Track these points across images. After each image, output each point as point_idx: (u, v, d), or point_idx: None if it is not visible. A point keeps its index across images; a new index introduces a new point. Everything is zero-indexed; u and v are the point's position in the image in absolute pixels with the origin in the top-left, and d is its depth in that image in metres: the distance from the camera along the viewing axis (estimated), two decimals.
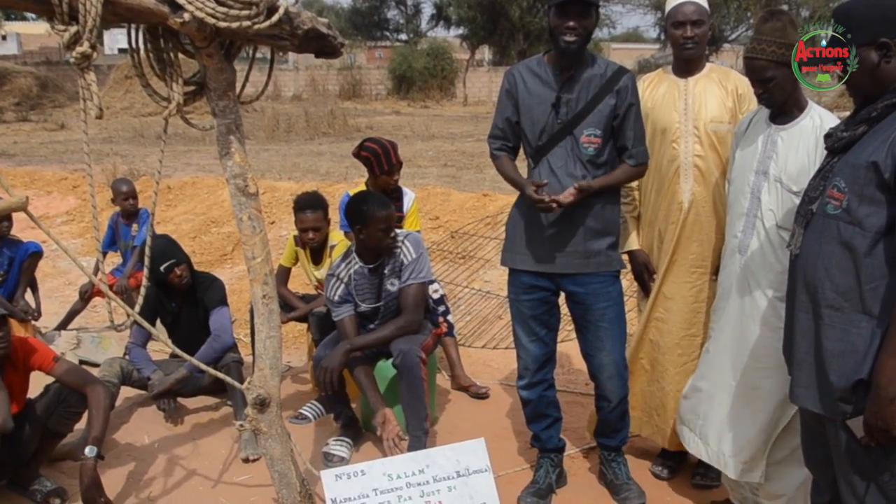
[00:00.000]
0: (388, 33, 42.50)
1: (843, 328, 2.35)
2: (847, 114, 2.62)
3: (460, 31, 37.65)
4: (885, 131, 2.30)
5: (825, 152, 2.87)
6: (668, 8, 3.66)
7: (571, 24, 3.30)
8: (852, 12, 2.40)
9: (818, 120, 3.07)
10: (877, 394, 2.22)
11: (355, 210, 4.21)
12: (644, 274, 3.83)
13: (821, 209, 2.45)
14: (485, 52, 41.45)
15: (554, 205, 3.33)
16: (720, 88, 3.62)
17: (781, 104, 3.09)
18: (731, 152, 3.41)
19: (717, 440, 3.39)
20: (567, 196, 3.34)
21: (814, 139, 3.04)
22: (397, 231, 4.41)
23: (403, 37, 41.29)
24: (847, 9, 2.43)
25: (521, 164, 3.66)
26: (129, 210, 6.38)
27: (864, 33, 2.35)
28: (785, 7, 26.90)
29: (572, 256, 3.51)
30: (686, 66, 3.68)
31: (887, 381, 2.19)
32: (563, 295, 3.66)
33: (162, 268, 4.59)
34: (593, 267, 3.53)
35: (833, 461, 2.50)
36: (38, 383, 3.91)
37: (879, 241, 2.28)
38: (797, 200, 2.97)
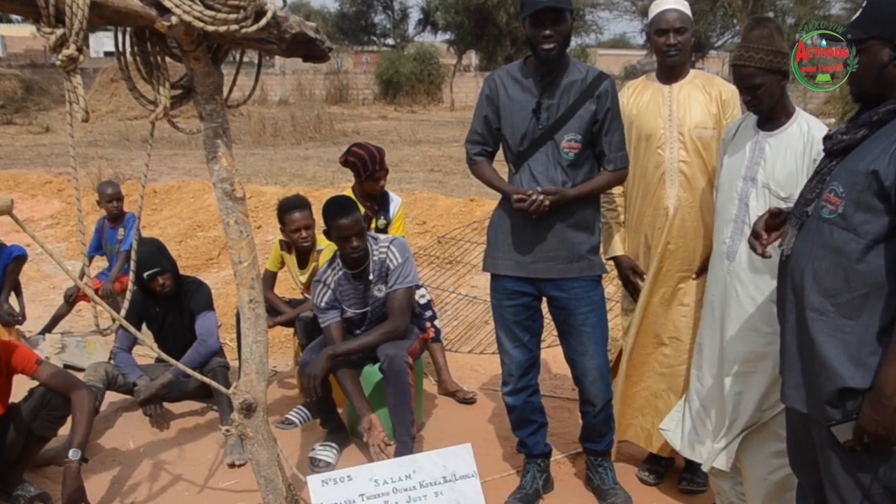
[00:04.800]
0: (375, 38, 42.44)
1: (827, 333, 2.34)
2: (832, 120, 2.62)
3: (447, 36, 37.72)
4: (887, 138, 2.27)
5: (815, 158, 2.89)
6: (651, 15, 3.68)
7: (547, 32, 3.32)
8: (884, 4, 2.34)
9: (805, 126, 3.09)
10: (880, 403, 2.19)
11: (323, 216, 4.22)
12: (630, 278, 3.84)
13: (816, 212, 2.43)
14: (472, 58, 41.47)
15: (545, 203, 3.34)
16: (704, 94, 3.64)
17: (769, 111, 3.11)
18: (718, 159, 3.43)
19: (702, 440, 3.40)
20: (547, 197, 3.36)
21: (801, 145, 3.06)
22: (381, 236, 4.41)
23: (391, 41, 41.24)
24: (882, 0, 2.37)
25: (499, 167, 3.67)
26: (113, 213, 6.34)
27: (885, 28, 2.30)
28: (770, 14, 27.10)
29: (554, 261, 3.51)
30: (670, 72, 3.70)
31: (892, 391, 2.18)
32: (545, 300, 3.67)
33: (145, 275, 4.58)
34: (575, 271, 3.53)
35: (818, 463, 2.50)
36: (22, 387, 3.89)
37: (872, 249, 2.26)
38: (785, 206, 2.99)
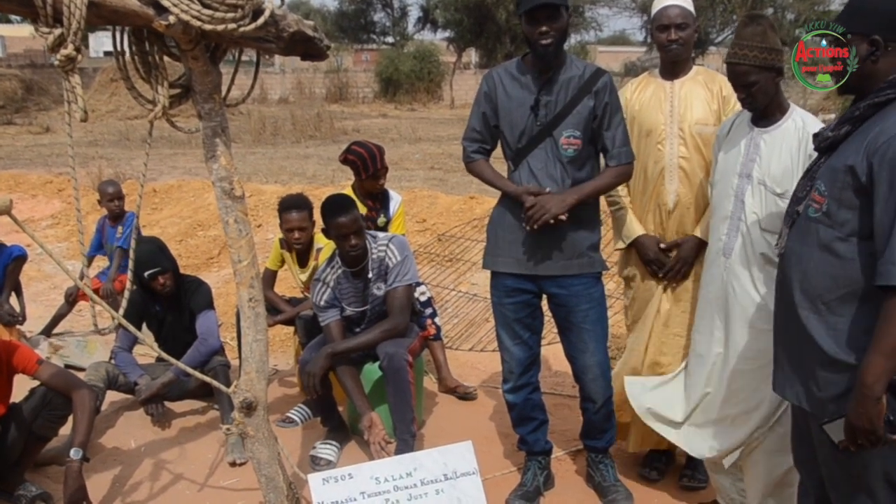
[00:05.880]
0: (374, 36, 42.38)
1: (823, 330, 2.35)
2: (832, 116, 2.62)
3: (447, 33, 37.66)
4: (865, 134, 2.28)
5: (810, 154, 2.89)
6: (653, 11, 3.67)
7: (543, 28, 3.33)
8: (865, 0, 2.35)
9: (800, 122, 3.09)
10: (862, 393, 2.18)
11: (321, 214, 4.22)
12: (659, 256, 3.69)
13: (804, 211, 2.45)
14: (471, 55, 41.43)
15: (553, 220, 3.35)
16: (706, 91, 3.64)
17: (764, 108, 3.10)
18: (713, 155, 3.43)
19: (706, 438, 3.40)
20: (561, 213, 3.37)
21: (796, 141, 3.06)
22: (380, 234, 4.41)
23: (390, 40, 41.19)
24: None
25: (497, 165, 3.67)
26: (114, 211, 6.35)
27: (863, 23, 2.32)
28: (770, 11, 27.05)
29: (554, 258, 3.51)
30: (672, 68, 3.69)
31: (873, 381, 2.17)
32: (545, 297, 3.67)
33: (146, 274, 4.58)
34: (575, 269, 3.53)
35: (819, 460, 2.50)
36: (23, 387, 3.89)
37: (856, 246, 2.27)
38: (781, 203, 2.99)
